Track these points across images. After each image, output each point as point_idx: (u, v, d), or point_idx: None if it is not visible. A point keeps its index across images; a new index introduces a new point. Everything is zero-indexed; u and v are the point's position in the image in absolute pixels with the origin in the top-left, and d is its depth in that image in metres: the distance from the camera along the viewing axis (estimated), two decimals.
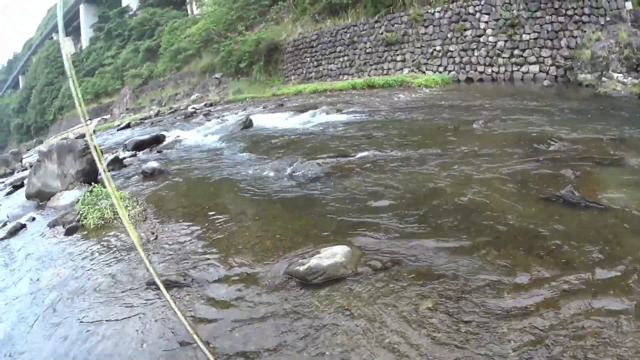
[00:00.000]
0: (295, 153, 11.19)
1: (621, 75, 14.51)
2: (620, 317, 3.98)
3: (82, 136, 25.09)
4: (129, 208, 8.16)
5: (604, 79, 15.10)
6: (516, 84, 20.53)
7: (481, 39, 23.06)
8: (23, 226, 9.11)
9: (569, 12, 20.08)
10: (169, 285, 5.40)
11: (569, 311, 4.10)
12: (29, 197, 11.33)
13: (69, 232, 7.96)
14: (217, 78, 41.00)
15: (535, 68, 20.82)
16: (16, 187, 13.99)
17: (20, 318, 5.50)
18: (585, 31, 19.10)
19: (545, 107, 13.33)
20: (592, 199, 6.26)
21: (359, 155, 10.08)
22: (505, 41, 22.04)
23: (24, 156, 27.38)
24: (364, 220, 6.49)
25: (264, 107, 23.48)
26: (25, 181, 12.36)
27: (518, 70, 21.43)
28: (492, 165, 8.23)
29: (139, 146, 16.05)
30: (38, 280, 6.42)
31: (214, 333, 4.48)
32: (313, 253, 5.48)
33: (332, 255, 5.33)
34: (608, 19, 18.64)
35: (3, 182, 16.56)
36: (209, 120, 21.52)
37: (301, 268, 5.22)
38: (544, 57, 20.55)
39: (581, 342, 3.74)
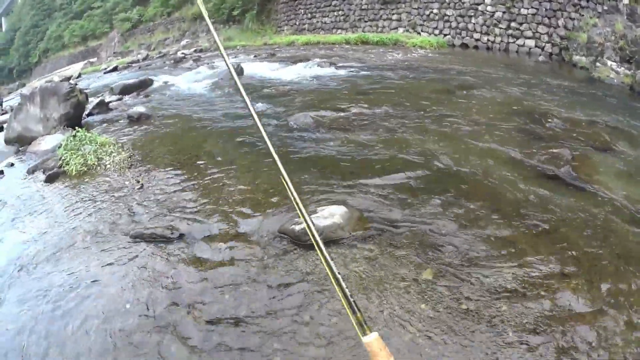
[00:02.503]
0: (289, 104, 10.84)
1: (615, 63, 14.41)
2: (611, 301, 3.83)
3: (68, 79, 24.52)
4: (113, 154, 7.80)
5: (598, 64, 15.01)
6: (511, 55, 20.11)
7: (479, 8, 22.20)
8: (0, 172, 8.64)
9: None
10: (155, 239, 5.10)
11: (565, 293, 3.92)
12: (8, 142, 10.85)
13: (50, 179, 7.55)
14: None
15: (531, 42, 20.20)
16: None
17: None
18: (583, 15, 18.67)
19: (541, 83, 13.06)
20: (589, 182, 6.09)
21: (355, 110, 9.72)
22: (503, 12, 21.20)
23: (4, 99, 26.38)
24: (361, 181, 6.18)
25: (255, 56, 22.93)
26: (5, 125, 11.83)
27: (514, 42, 20.81)
28: (490, 134, 7.95)
29: (126, 90, 15.45)
30: (16, 232, 6.07)
31: (202, 295, 4.19)
32: (309, 212, 5.16)
33: (329, 215, 5.02)
34: (605, 7, 18.30)
35: None
36: (199, 66, 20.92)
37: (296, 227, 4.89)
38: (541, 34, 19.96)
39: (577, 323, 3.59)
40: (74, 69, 42.79)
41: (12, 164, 9.08)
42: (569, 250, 4.54)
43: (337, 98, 11.21)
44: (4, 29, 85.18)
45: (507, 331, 3.54)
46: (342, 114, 9.58)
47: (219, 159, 7.37)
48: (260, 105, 10.98)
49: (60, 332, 4.00)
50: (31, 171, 8.17)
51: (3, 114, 18.23)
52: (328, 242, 4.73)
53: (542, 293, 3.93)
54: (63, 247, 5.36)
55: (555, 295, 3.91)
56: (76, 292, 4.49)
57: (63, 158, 7.91)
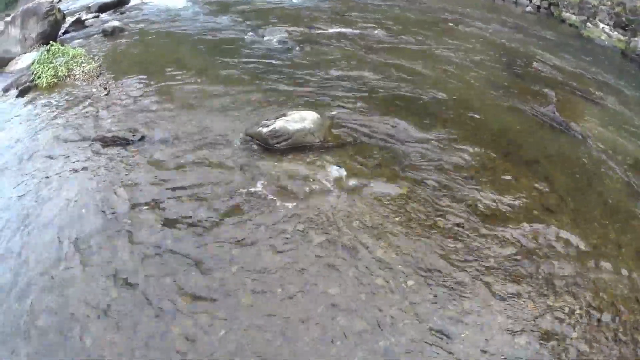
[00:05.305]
0: (264, 20, 10.50)
1: (607, 27, 14.41)
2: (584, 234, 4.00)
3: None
4: (83, 64, 7.59)
5: (589, 24, 14.96)
6: (497, 2, 19.80)
7: None
8: None
9: None
10: (116, 141, 4.93)
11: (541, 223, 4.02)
12: None
13: (22, 94, 7.47)
14: None
15: None
16: None
17: None
18: None
19: (527, 29, 12.98)
20: (572, 125, 6.00)
21: (331, 30, 9.48)
22: None
23: None
24: (335, 93, 6.04)
25: None
26: None
27: None
28: (471, 65, 7.81)
29: (103, 8, 14.97)
30: None
31: (159, 198, 4.07)
32: (279, 115, 4.99)
33: (300, 119, 4.86)
34: None
35: None
36: None
37: (264, 130, 4.73)
38: None
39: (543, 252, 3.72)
40: None
41: None
42: (550, 184, 4.59)
43: (314, 18, 10.83)
44: None
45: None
46: (318, 31, 9.38)
47: (190, 67, 7.12)
48: (232, 18, 10.83)
49: (18, 240, 3.93)
50: (6, 89, 8.00)
51: None
52: (296, 148, 4.65)
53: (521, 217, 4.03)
54: (25, 155, 5.21)
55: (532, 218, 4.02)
56: (35, 197, 4.40)
57: (35, 72, 7.76)
